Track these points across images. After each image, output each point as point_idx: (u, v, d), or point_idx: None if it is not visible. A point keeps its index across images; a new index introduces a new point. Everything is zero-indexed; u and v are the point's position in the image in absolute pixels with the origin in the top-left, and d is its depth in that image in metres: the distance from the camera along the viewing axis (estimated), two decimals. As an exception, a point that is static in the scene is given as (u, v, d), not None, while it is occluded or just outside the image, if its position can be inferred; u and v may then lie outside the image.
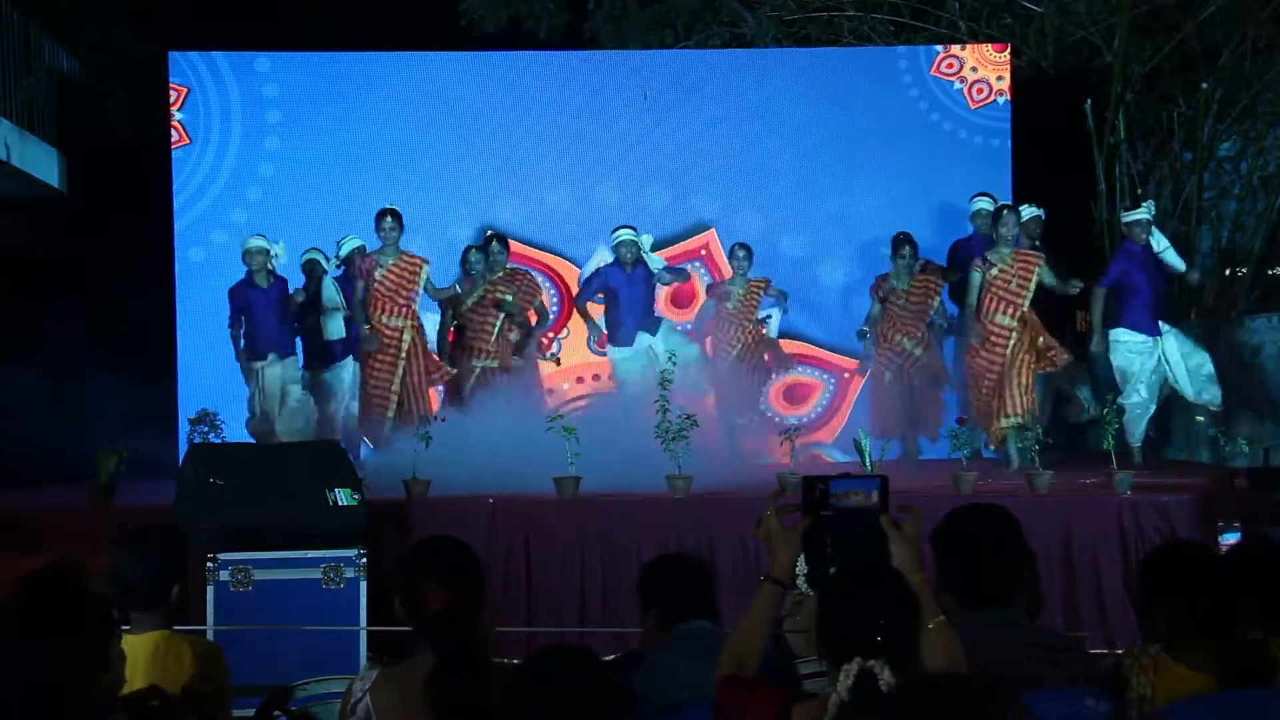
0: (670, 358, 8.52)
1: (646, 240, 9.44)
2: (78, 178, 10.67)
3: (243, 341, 9.09)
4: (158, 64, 10.24)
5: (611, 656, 3.74)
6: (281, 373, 9.08)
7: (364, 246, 9.12)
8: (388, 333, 8.78)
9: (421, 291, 8.86)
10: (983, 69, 10.56)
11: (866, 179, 10.09)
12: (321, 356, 9.29)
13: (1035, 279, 8.57)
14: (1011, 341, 8.54)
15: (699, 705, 3.00)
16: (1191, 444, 9.90)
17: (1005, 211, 8.68)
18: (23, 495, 8.31)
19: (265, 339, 9.03)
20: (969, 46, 10.77)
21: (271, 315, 9.05)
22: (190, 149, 10.16)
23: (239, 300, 9.08)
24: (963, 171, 10.37)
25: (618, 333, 9.40)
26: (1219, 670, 2.91)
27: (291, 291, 9.18)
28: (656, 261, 9.54)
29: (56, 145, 10.55)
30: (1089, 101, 10.95)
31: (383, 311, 8.78)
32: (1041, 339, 8.58)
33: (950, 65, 10.57)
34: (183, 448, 8.47)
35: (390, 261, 8.84)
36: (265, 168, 10.24)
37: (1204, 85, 10.83)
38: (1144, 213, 8.83)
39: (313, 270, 9.34)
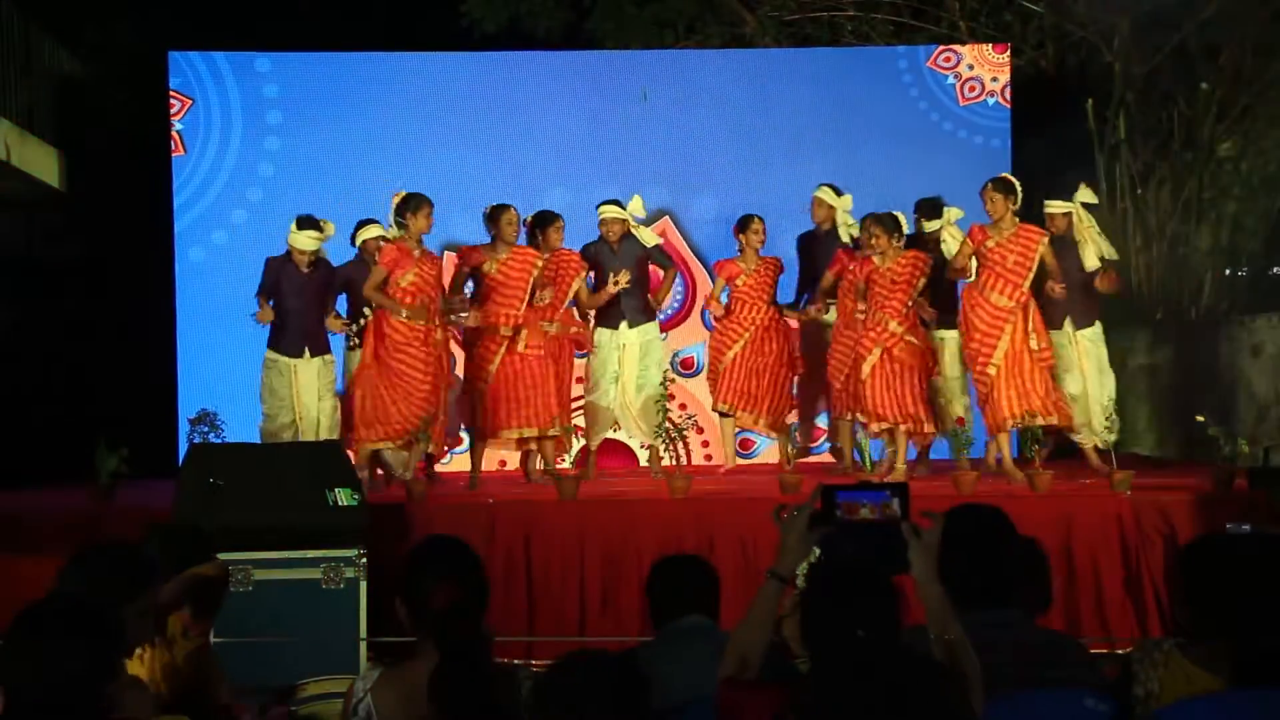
0: (673, 358, 8.51)
1: (636, 205, 8.88)
2: (78, 178, 10.66)
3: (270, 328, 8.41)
4: (158, 64, 10.23)
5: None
6: (318, 377, 8.38)
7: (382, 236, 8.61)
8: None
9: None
10: (978, 67, 10.55)
11: (866, 179, 10.06)
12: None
13: (1038, 258, 8.01)
14: (1009, 328, 8.00)
15: (696, 705, 2.99)
16: (1192, 444, 9.90)
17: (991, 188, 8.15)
18: (23, 495, 8.32)
19: (299, 330, 8.34)
20: (969, 47, 10.76)
21: (310, 304, 8.37)
22: (190, 149, 10.14)
23: (272, 276, 8.36)
24: (962, 171, 10.37)
25: (605, 313, 8.84)
26: (1231, 669, 2.88)
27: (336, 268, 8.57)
28: (650, 237, 8.99)
29: (56, 145, 10.54)
30: (1089, 101, 10.96)
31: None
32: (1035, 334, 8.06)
33: (948, 60, 10.56)
34: (183, 448, 8.47)
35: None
36: (265, 168, 10.23)
37: (1204, 85, 10.84)
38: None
39: (371, 247, 8.69)
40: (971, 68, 10.52)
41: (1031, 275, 8.02)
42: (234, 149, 10.19)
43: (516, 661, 6.28)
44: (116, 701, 2.71)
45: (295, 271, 8.33)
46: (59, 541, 6.34)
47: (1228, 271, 11.10)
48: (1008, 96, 10.48)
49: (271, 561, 6.21)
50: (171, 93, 10.11)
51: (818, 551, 2.98)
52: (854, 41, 12.31)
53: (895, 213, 8.46)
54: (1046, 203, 8.39)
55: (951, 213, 8.77)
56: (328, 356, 8.48)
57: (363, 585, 6.28)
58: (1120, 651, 6.10)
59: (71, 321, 10.59)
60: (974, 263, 8.25)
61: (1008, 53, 10.69)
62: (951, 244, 8.68)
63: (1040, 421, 7.98)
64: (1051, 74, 11.54)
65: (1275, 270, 11.47)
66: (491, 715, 2.77)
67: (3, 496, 8.17)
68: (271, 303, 8.37)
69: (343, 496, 6.41)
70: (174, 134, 10.11)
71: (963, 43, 11.03)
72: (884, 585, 2.79)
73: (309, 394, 8.33)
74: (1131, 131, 11.18)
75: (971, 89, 10.51)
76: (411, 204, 8.10)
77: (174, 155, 10.10)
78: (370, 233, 8.67)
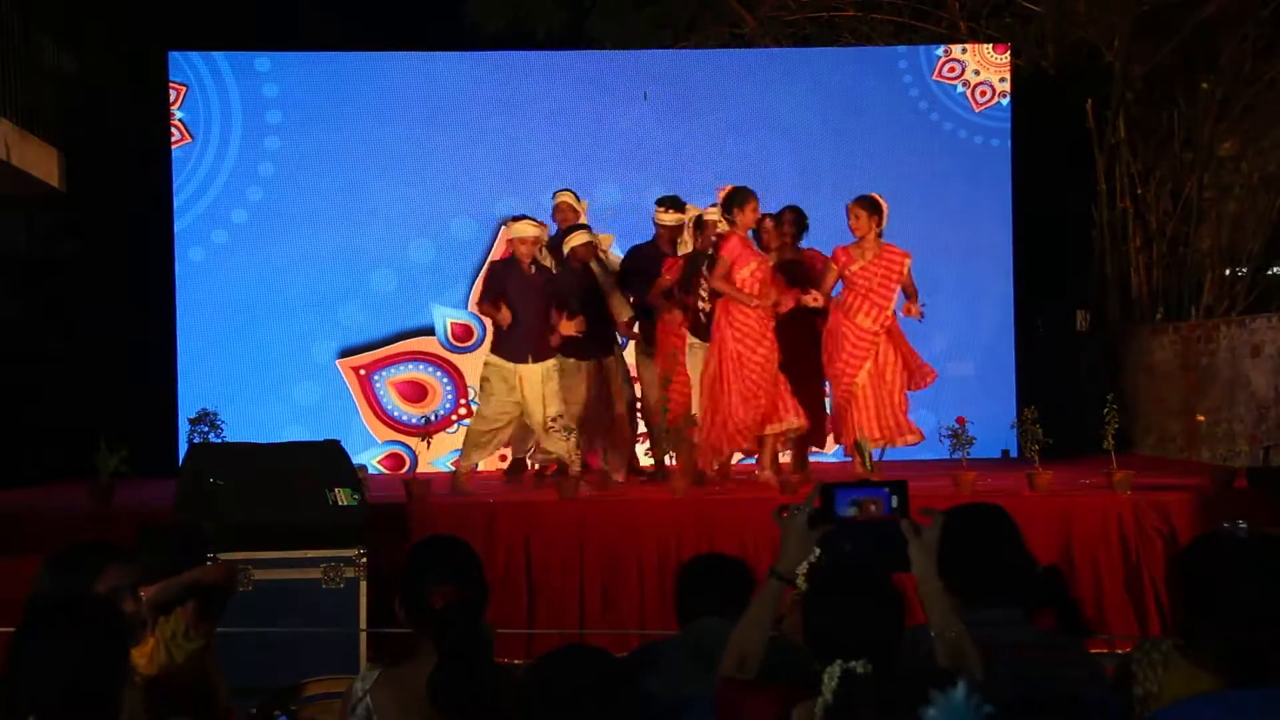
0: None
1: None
2: (78, 178, 10.65)
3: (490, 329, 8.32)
4: (158, 64, 10.23)
5: (623, 655, 3.72)
6: (543, 382, 8.13)
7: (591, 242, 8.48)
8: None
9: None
10: (983, 70, 10.54)
11: (866, 179, 10.06)
12: (608, 339, 8.63)
13: (903, 279, 7.94)
14: (874, 350, 7.91)
15: (704, 703, 2.99)
16: (1193, 444, 9.91)
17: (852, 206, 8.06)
18: (23, 495, 8.32)
19: (524, 335, 8.12)
20: (969, 47, 10.75)
21: (535, 307, 8.14)
22: (190, 148, 10.15)
23: (497, 281, 8.19)
24: (963, 171, 10.38)
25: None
26: (1230, 669, 2.88)
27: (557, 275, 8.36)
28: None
29: (56, 145, 10.54)
30: (1089, 101, 10.95)
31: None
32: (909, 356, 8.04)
33: (952, 70, 10.54)
34: (183, 448, 8.47)
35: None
36: (265, 167, 10.23)
37: (1204, 85, 10.84)
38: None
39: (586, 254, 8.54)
40: (978, 73, 10.51)
41: (896, 298, 7.94)
42: (234, 148, 10.20)
43: (516, 661, 6.29)
44: (122, 704, 2.71)
45: (520, 274, 8.16)
46: (59, 541, 6.34)
47: (1228, 271, 11.10)
48: (977, 98, 10.47)
49: (271, 561, 6.21)
50: (170, 83, 10.12)
51: (818, 551, 2.98)
52: (854, 42, 12.31)
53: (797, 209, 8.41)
54: (704, 211, 8.26)
55: (692, 210, 8.66)
56: (552, 362, 8.19)
57: (363, 585, 6.28)
58: (1120, 651, 6.09)
59: (71, 321, 10.58)
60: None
61: (1008, 53, 10.68)
62: (691, 242, 8.58)
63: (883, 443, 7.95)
64: (1051, 74, 11.54)
65: (1275, 270, 11.48)
66: (491, 715, 2.77)
67: (3, 496, 8.18)
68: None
69: (343, 496, 6.41)
70: (176, 122, 10.12)
71: (963, 43, 11.01)
72: (885, 585, 2.78)
73: (534, 399, 8.08)
74: (1131, 131, 11.18)
75: (983, 94, 10.49)
76: (738, 199, 7.93)
77: (178, 146, 10.12)
78: (525, 230, 8.23)
